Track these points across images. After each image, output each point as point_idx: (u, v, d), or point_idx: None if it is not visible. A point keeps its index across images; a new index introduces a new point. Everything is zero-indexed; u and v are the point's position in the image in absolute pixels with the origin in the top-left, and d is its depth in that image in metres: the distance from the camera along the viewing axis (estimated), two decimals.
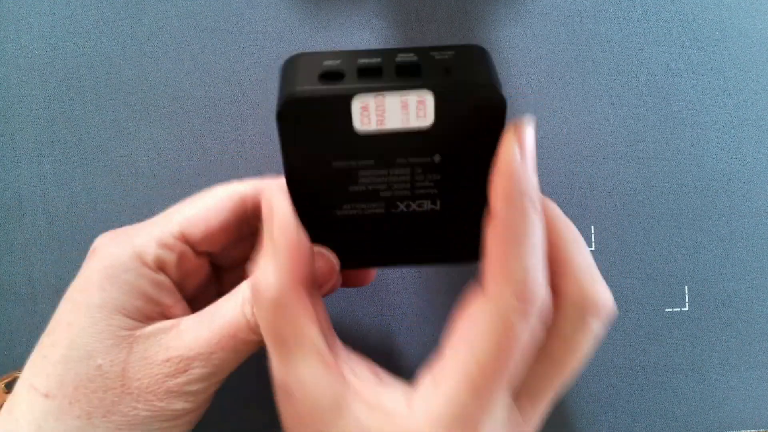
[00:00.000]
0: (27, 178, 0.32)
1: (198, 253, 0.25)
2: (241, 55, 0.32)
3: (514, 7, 0.32)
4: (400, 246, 0.23)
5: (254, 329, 0.22)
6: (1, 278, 0.31)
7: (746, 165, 0.32)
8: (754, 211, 0.32)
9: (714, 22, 0.32)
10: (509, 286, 0.18)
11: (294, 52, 0.21)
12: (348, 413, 0.19)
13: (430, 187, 0.22)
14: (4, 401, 0.23)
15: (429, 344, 0.32)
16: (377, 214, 0.22)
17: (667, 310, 0.32)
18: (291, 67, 0.20)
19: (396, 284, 0.32)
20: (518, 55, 0.32)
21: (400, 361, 0.32)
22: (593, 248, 0.32)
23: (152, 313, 0.23)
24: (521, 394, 0.20)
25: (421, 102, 0.19)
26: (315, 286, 0.21)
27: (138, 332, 0.22)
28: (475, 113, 0.20)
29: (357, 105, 0.19)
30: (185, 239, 0.24)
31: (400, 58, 0.20)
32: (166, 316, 0.24)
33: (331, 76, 0.20)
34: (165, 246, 0.23)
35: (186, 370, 0.22)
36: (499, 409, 0.19)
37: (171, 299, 0.24)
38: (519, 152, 0.19)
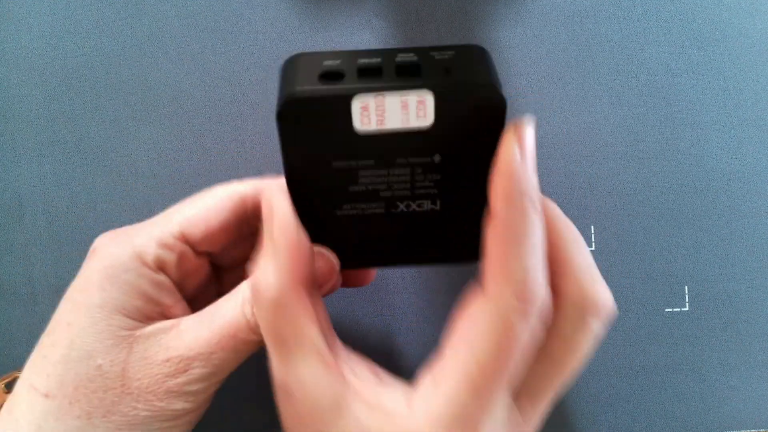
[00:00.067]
0: (27, 178, 0.32)
1: (198, 253, 0.25)
2: (241, 55, 0.32)
3: (514, 7, 0.32)
4: (400, 246, 0.23)
5: (254, 329, 0.22)
6: (1, 278, 0.31)
7: (746, 165, 0.32)
8: (754, 211, 0.32)
9: (714, 22, 0.32)
10: (509, 286, 0.18)
11: (294, 52, 0.21)
12: (348, 413, 0.19)
13: (430, 187, 0.22)
14: (4, 401, 0.23)
15: (429, 344, 0.32)
16: (377, 214, 0.22)
17: (667, 310, 0.32)
18: (291, 67, 0.20)
19: (396, 284, 0.32)
20: (518, 56, 0.32)
21: (400, 361, 0.32)
22: (593, 248, 0.32)
23: (152, 313, 0.23)
24: (521, 394, 0.20)
25: (421, 102, 0.19)
26: (315, 286, 0.21)
27: (138, 332, 0.22)
28: (475, 113, 0.20)
29: (357, 105, 0.19)
30: (185, 239, 0.24)
31: (400, 58, 0.20)
32: (166, 316, 0.24)
33: (331, 76, 0.20)
34: (165, 246, 0.23)
35: (186, 370, 0.22)
36: (499, 409, 0.19)
37: (171, 299, 0.24)
38: (519, 152, 0.19)
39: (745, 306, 0.32)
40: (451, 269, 0.32)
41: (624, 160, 0.32)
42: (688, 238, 0.32)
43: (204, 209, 0.24)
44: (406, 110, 0.19)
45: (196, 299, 0.26)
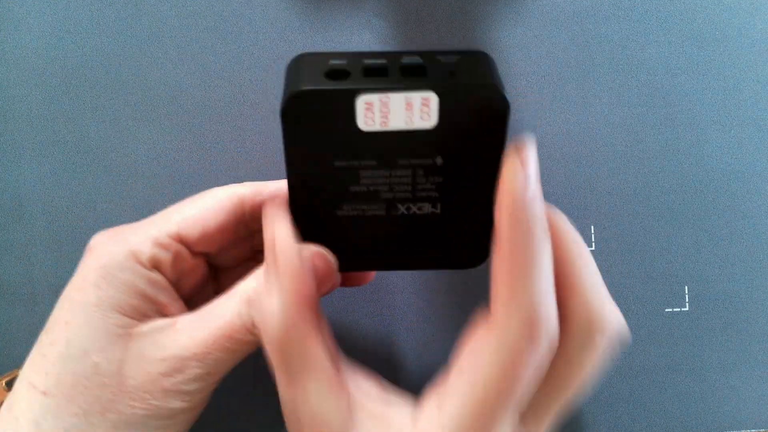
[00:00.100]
0: (27, 178, 0.32)
1: (194, 253, 0.25)
2: (241, 55, 0.32)
3: (514, 8, 0.32)
4: (400, 249, 0.23)
5: (250, 330, 0.22)
6: (1, 278, 0.32)
7: (746, 165, 0.32)
8: (754, 211, 0.32)
9: (714, 22, 0.32)
10: (517, 313, 0.18)
11: (299, 52, 0.21)
12: None
13: (432, 190, 0.22)
14: (5, 399, 0.23)
15: (429, 344, 0.32)
16: (378, 215, 0.22)
17: (667, 310, 0.32)
18: (296, 65, 0.20)
19: (396, 284, 0.32)
20: (518, 56, 0.32)
21: (400, 361, 0.32)
22: (593, 248, 0.32)
23: (148, 311, 0.23)
24: (527, 413, 0.20)
25: (425, 102, 0.19)
26: (319, 304, 0.21)
27: (134, 330, 0.22)
28: (478, 115, 0.20)
29: (361, 103, 0.19)
30: (181, 239, 0.24)
31: (406, 60, 0.20)
32: (163, 315, 0.24)
33: (336, 74, 0.20)
34: (160, 245, 0.23)
35: (182, 370, 0.22)
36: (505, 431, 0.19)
37: (167, 298, 0.24)
38: (522, 174, 0.18)
39: (745, 306, 0.32)
40: (452, 270, 0.32)
41: (624, 160, 0.32)
42: (688, 238, 0.32)
43: (201, 210, 0.24)
44: (410, 110, 0.19)
45: (193, 299, 0.26)
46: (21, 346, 0.30)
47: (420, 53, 0.20)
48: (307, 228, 0.22)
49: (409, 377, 0.32)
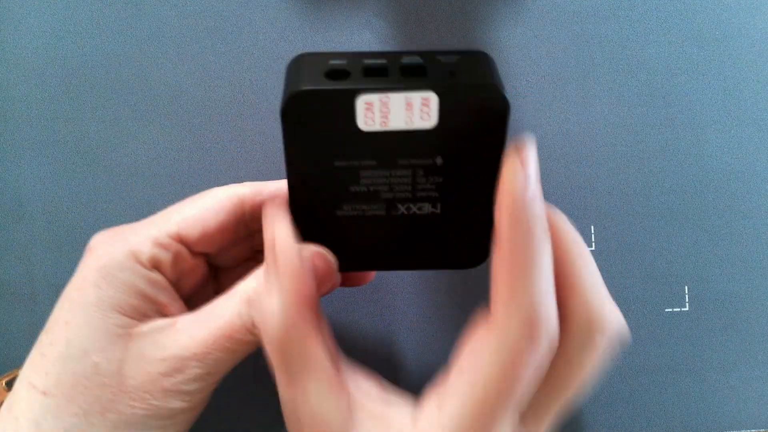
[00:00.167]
0: (27, 178, 0.32)
1: (194, 253, 0.25)
2: (241, 55, 0.32)
3: (514, 7, 0.32)
4: (400, 250, 0.23)
5: (250, 330, 0.22)
6: (1, 278, 0.31)
7: (746, 165, 0.32)
8: (754, 211, 0.32)
9: (714, 22, 0.32)
10: (517, 313, 0.18)
11: (299, 52, 0.21)
12: None
13: (432, 190, 0.22)
14: (5, 399, 0.23)
15: (429, 344, 0.32)
16: (377, 216, 0.22)
17: (667, 310, 0.32)
18: (297, 65, 0.20)
19: (396, 284, 0.32)
20: (518, 56, 0.32)
21: (400, 361, 0.32)
22: (593, 248, 0.32)
23: (148, 311, 0.23)
24: (527, 413, 0.20)
25: (425, 102, 0.19)
26: (319, 304, 0.21)
27: (134, 330, 0.22)
28: (478, 115, 0.20)
29: (361, 102, 0.19)
30: (181, 239, 0.24)
31: (406, 60, 0.20)
32: (163, 315, 0.24)
33: (336, 74, 0.20)
34: (160, 245, 0.23)
35: (181, 370, 0.22)
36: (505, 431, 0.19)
37: (167, 298, 0.24)
38: (522, 175, 0.18)
39: (745, 306, 0.32)
40: (452, 270, 0.32)
41: (624, 160, 0.32)
42: (688, 238, 0.32)
43: (201, 210, 0.24)
44: (410, 110, 0.19)
45: (194, 299, 0.26)
46: (21, 346, 0.30)
47: (420, 53, 0.20)
48: (307, 228, 0.22)
49: (409, 377, 0.32)
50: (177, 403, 0.22)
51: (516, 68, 0.32)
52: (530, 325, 0.18)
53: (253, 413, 0.32)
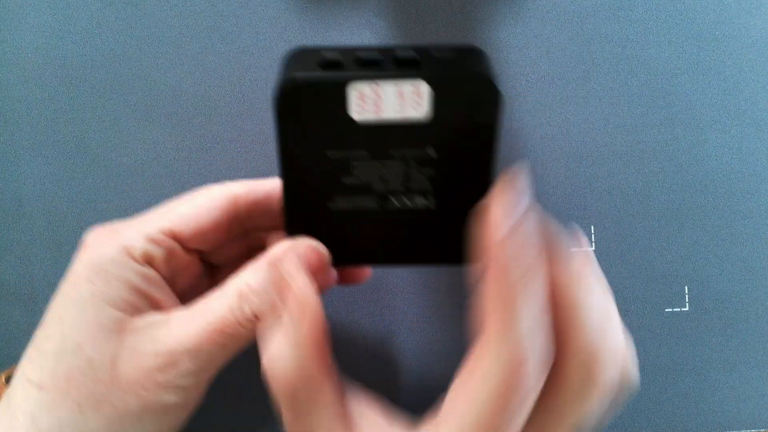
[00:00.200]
0: (27, 178, 0.32)
1: (188, 249, 0.25)
2: (240, 55, 0.32)
3: (514, 7, 0.32)
4: (394, 245, 0.23)
5: (242, 325, 0.22)
6: (1, 278, 0.31)
7: (746, 165, 0.32)
8: (754, 211, 0.32)
9: (714, 22, 0.32)
10: (506, 346, 0.18)
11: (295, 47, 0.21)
12: None
13: (424, 182, 0.22)
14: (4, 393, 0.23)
15: (429, 344, 0.32)
16: (371, 209, 0.22)
17: (667, 310, 0.32)
18: (291, 58, 0.20)
19: (396, 284, 0.32)
20: (518, 55, 0.32)
21: (400, 361, 0.32)
22: (593, 248, 0.32)
23: (142, 306, 0.23)
24: None
25: (416, 92, 0.19)
26: (329, 341, 0.21)
27: (128, 325, 0.22)
28: (471, 106, 0.20)
29: (353, 92, 0.19)
30: (174, 235, 0.24)
31: (399, 52, 0.20)
32: (157, 310, 0.24)
33: (329, 65, 0.20)
34: (153, 241, 0.24)
35: (175, 364, 0.22)
36: None
37: (160, 293, 0.24)
38: (501, 212, 0.18)
39: (745, 306, 0.32)
40: (452, 269, 0.32)
41: (624, 160, 0.32)
42: (688, 238, 0.32)
43: (195, 207, 0.24)
44: (402, 100, 0.19)
45: (189, 296, 0.26)
46: (21, 345, 0.30)
47: (414, 47, 0.20)
48: (299, 221, 0.22)
49: (409, 377, 0.32)
50: (170, 398, 0.22)
51: (516, 68, 0.32)
52: (513, 370, 0.18)
53: (253, 413, 0.32)
